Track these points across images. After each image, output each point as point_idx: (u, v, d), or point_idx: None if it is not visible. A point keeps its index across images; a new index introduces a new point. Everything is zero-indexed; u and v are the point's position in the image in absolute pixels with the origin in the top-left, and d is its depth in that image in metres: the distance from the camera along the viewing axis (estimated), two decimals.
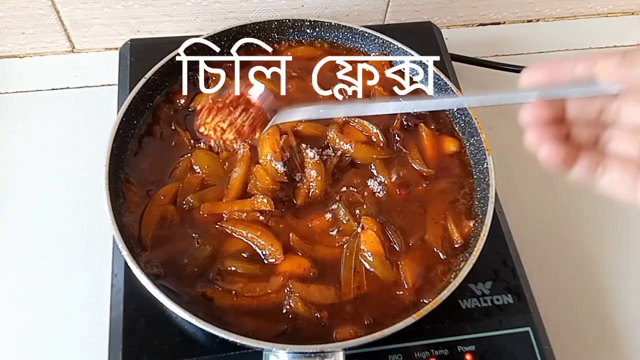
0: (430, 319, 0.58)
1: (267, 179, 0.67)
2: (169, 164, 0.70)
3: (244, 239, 0.64)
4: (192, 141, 0.72)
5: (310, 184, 0.69)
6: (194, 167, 0.70)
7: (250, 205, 0.66)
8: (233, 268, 0.63)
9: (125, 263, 0.59)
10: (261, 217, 0.66)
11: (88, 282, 0.72)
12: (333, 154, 0.72)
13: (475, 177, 0.73)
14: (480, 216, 0.67)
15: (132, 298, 0.62)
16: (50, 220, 0.78)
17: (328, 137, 0.74)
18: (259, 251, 0.64)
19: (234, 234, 0.65)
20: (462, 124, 0.77)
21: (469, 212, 0.70)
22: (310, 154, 0.70)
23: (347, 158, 0.72)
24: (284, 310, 0.61)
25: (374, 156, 0.73)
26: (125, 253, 0.58)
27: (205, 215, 0.66)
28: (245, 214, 0.66)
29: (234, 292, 0.61)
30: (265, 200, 0.66)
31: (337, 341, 0.58)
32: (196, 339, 0.61)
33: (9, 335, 0.69)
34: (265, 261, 0.63)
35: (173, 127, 0.74)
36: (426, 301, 0.61)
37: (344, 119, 0.76)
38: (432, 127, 0.77)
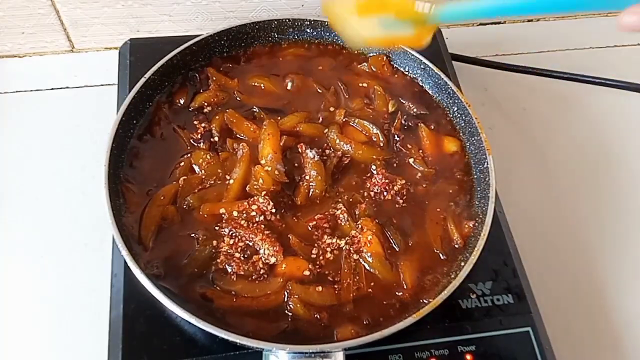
0: (430, 319, 0.58)
1: (268, 179, 0.67)
2: (169, 164, 0.70)
3: (243, 240, 0.64)
4: (191, 141, 0.72)
5: (310, 183, 0.69)
6: (194, 167, 0.70)
7: (250, 206, 0.66)
8: (232, 269, 0.62)
9: (125, 263, 0.59)
10: (261, 218, 0.66)
11: (88, 282, 0.72)
12: (333, 154, 0.72)
13: (475, 176, 0.73)
14: (481, 216, 0.67)
15: (131, 298, 0.62)
16: (50, 220, 0.78)
17: (328, 138, 0.74)
18: (259, 252, 0.63)
19: (233, 234, 0.65)
20: (463, 124, 0.76)
21: (469, 212, 0.69)
22: (310, 154, 0.70)
23: (347, 158, 0.72)
24: (284, 311, 0.61)
25: (374, 156, 0.72)
26: (125, 253, 0.58)
27: (205, 216, 0.66)
28: (245, 215, 0.66)
29: (233, 292, 0.61)
30: (265, 201, 0.66)
31: (337, 341, 0.58)
32: (196, 339, 0.61)
33: (10, 335, 0.69)
34: (265, 262, 0.63)
35: (173, 127, 0.74)
36: (426, 301, 0.61)
37: (344, 119, 0.76)
38: (432, 127, 0.77)
